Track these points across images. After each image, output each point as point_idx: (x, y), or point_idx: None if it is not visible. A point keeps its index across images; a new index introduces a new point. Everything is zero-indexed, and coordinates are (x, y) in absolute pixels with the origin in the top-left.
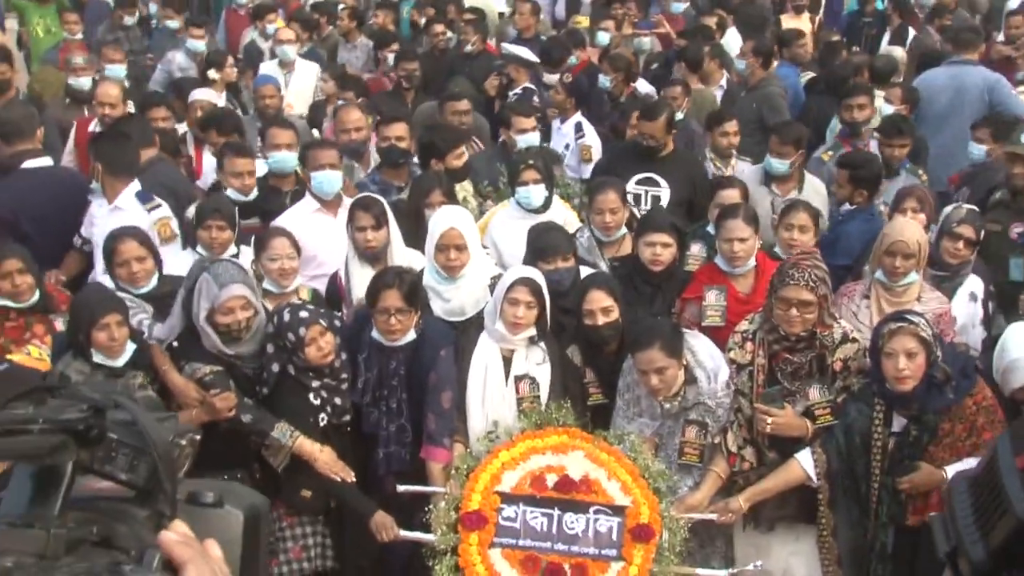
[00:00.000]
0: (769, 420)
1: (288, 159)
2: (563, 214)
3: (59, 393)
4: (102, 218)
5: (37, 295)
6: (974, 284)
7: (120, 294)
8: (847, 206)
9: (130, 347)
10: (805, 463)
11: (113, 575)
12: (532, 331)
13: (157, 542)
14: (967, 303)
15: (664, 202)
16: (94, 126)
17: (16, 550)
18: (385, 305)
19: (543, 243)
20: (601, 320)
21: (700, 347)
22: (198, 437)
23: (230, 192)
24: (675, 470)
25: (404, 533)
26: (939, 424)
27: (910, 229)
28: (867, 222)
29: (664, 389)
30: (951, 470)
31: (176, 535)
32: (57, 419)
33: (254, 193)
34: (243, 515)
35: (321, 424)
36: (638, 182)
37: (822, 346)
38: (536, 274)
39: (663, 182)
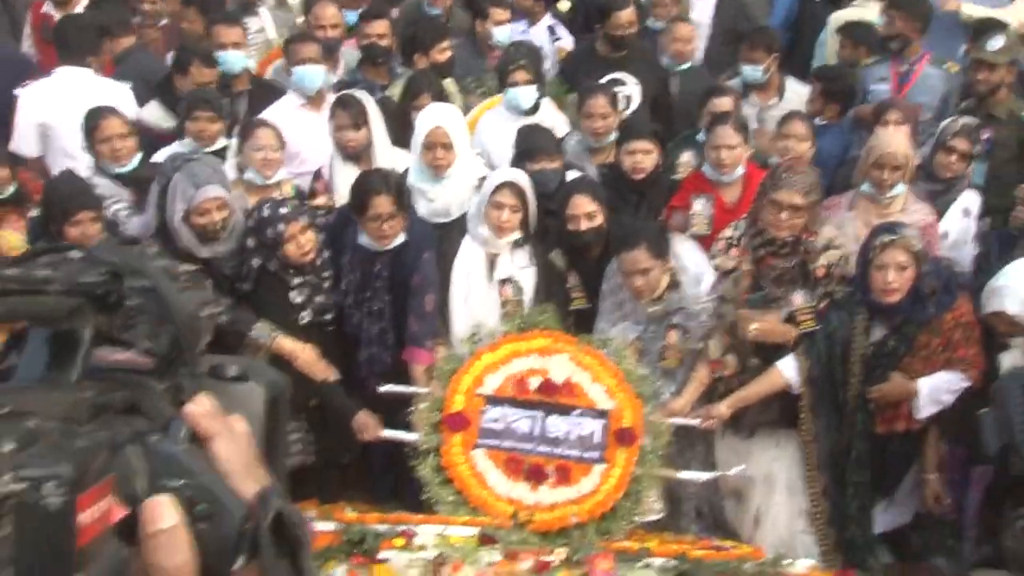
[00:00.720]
0: (753, 326)
1: (235, 58)
2: (552, 116)
3: (75, 256)
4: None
5: (13, 188)
6: (968, 199)
7: (97, 179)
8: (818, 120)
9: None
10: (787, 370)
11: (138, 444)
12: (516, 234)
13: (182, 414)
14: (960, 218)
15: (636, 101)
16: (47, 7)
17: (40, 412)
18: (376, 212)
19: (529, 143)
20: (584, 225)
21: (685, 251)
22: (220, 310)
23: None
24: (658, 374)
25: (387, 432)
26: (917, 336)
27: (897, 140)
28: (839, 137)
29: (647, 291)
30: (923, 383)
31: (201, 408)
32: (75, 281)
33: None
34: (265, 391)
35: (303, 322)
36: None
37: (806, 252)
38: (521, 177)
39: (631, 79)
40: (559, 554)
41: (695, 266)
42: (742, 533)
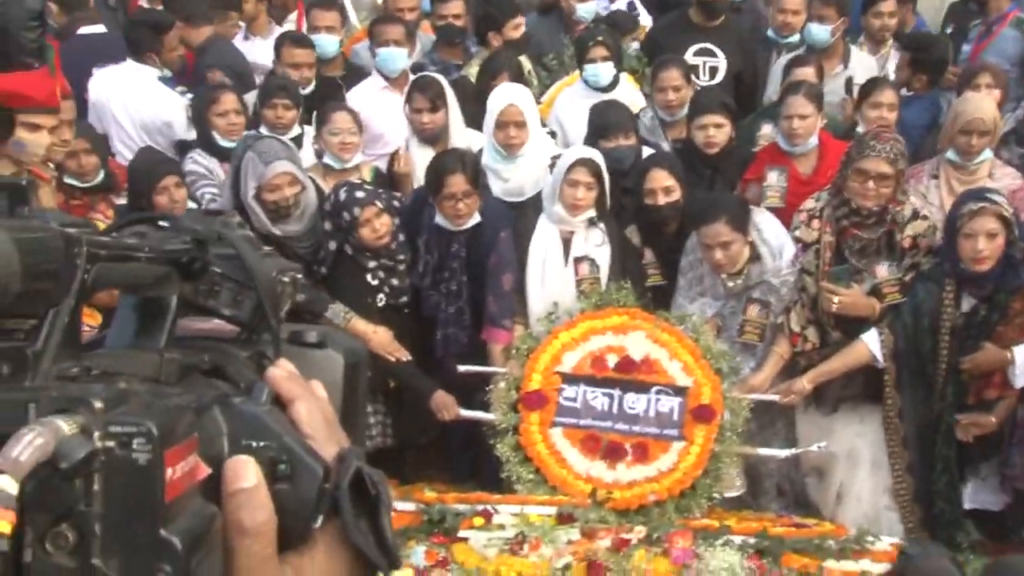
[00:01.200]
0: (836, 299)
1: (328, 41)
2: (630, 94)
3: (161, 226)
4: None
5: (102, 175)
6: None
7: (198, 155)
8: (904, 91)
9: (191, 207)
10: (871, 343)
11: (221, 406)
12: (591, 212)
13: (264, 378)
14: None
15: (721, 73)
16: None
17: (130, 373)
18: (452, 191)
19: (604, 120)
20: (662, 200)
21: (765, 224)
22: (300, 276)
23: None
24: (737, 350)
25: (465, 412)
26: (1010, 303)
27: (986, 105)
28: (927, 110)
29: (728, 265)
30: (1019, 351)
31: (283, 371)
32: (161, 249)
33: (311, 86)
34: (344, 359)
35: (379, 305)
36: (695, 53)
37: (893, 222)
38: (596, 154)
39: (719, 52)
40: (638, 532)
41: (775, 239)
42: (824, 510)
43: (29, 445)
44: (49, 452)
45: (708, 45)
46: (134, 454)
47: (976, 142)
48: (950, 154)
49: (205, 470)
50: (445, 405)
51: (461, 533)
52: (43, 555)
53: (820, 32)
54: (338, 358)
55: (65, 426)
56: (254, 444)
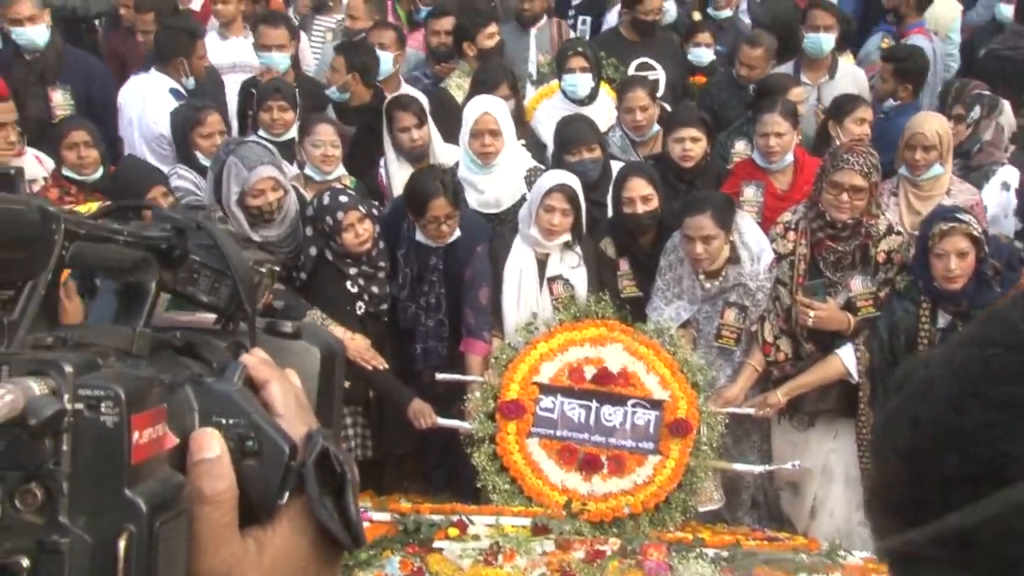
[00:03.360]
0: (812, 313)
1: (279, 59)
2: (609, 106)
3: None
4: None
5: (100, 172)
6: (1007, 173)
7: (183, 171)
8: (890, 102)
9: None
10: (846, 358)
11: (194, 384)
12: (567, 237)
13: (238, 361)
14: (999, 192)
15: (662, 86)
16: None
17: (101, 344)
18: (435, 215)
19: (567, 134)
20: (641, 208)
21: (747, 227)
22: (277, 268)
23: None
24: (714, 355)
25: (442, 420)
26: None
27: (930, 121)
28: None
29: (706, 260)
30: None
31: (257, 357)
32: (141, 235)
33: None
34: (320, 351)
35: (359, 312)
36: (636, 68)
37: (867, 235)
38: (572, 180)
39: (658, 65)
40: (612, 544)
41: (755, 243)
42: (798, 524)
43: None
44: (19, 409)
45: (647, 59)
46: (102, 416)
47: (920, 156)
48: (903, 170)
49: (173, 439)
50: (423, 413)
51: (436, 544)
52: (12, 512)
53: (826, 41)
54: (314, 351)
55: (36, 386)
56: (224, 421)
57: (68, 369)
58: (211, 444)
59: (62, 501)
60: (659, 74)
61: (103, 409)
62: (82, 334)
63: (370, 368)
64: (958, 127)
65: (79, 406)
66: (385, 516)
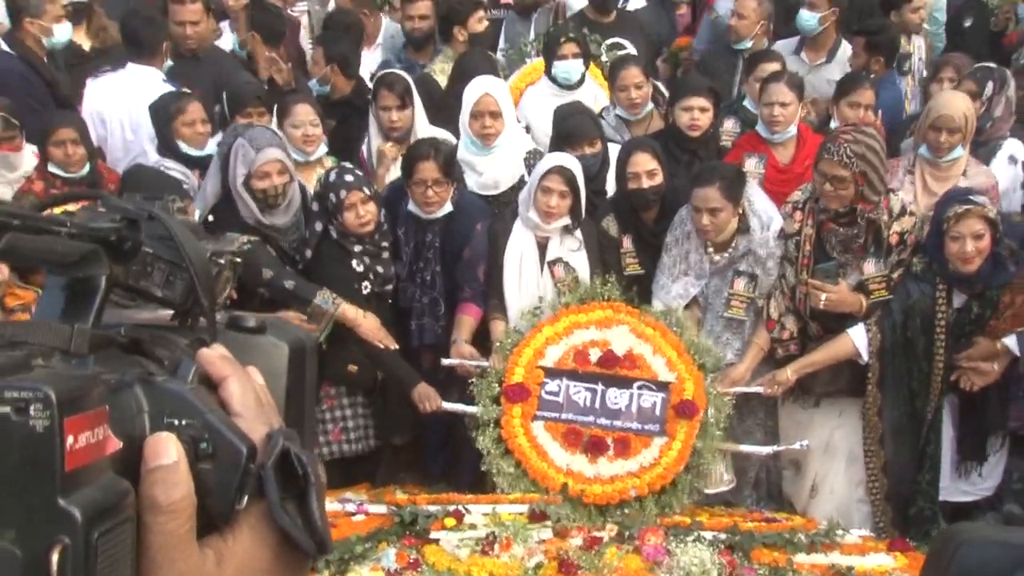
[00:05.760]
0: (823, 296)
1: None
2: (594, 90)
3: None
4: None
5: (87, 168)
6: (1013, 147)
7: (168, 162)
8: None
9: None
10: (857, 338)
11: (144, 384)
12: (566, 220)
13: (194, 356)
14: (1007, 166)
15: None
16: None
17: (34, 343)
18: (422, 177)
19: (568, 128)
20: (646, 183)
21: (756, 195)
22: (239, 260)
23: None
24: (721, 327)
25: (447, 405)
26: (1001, 298)
27: (956, 102)
28: (886, 91)
29: (712, 232)
30: (1009, 340)
31: (214, 352)
32: (87, 226)
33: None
34: (288, 347)
35: (364, 292)
36: (609, 47)
37: (868, 221)
38: (571, 162)
39: (628, 44)
40: (609, 530)
41: (764, 212)
42: (797, 504)
43: None
44: None
45: (618, 40)
46: (31, 420)
47: (945, 139)
48: (923, 150)
49: (116, 444)
50: (428, 396)
51: (432, 534)
52: None
53: (809, 19)
54: (282, 346)
55: None
56: (176, 422)
57: None
58: (167, 450)
59: None
60: (631, 51)
61: (32, 412)
62: (15, 332)
63: (381, 348)
64: (973, 104)
65: (5, 409)
66: (381, 508)
